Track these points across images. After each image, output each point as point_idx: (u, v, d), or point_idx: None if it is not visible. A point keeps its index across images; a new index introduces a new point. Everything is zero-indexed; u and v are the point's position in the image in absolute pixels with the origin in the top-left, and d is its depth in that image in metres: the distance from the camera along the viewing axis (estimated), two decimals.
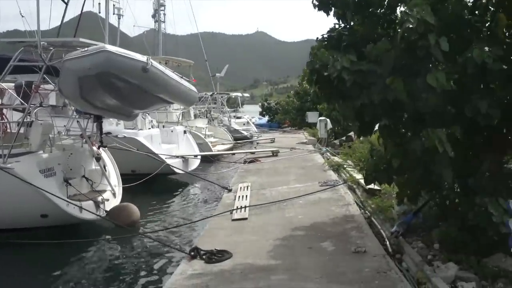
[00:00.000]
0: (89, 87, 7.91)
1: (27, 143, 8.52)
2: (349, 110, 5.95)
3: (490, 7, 5.35)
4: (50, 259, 7.67)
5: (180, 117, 20.99)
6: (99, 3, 21.27)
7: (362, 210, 8.37)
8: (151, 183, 12.33)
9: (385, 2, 6.12)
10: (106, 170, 10.08)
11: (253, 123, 37.42)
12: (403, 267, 5.55)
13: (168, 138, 16.04)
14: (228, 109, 34.74)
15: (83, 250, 7.99)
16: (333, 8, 6.46)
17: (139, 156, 12.77)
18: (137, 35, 42.13)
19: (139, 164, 12.99)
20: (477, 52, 4.74)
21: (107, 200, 9.47)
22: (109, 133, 12.25)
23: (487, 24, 5.37)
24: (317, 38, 6.70)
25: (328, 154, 16.73)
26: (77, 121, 10.20)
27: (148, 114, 15.71)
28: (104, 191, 9.75)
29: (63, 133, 10.38)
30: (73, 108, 10.66)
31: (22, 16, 13.98)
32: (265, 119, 46.97)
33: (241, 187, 11.26)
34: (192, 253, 6.22)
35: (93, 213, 8.67)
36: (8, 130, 8.91)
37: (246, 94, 53.92)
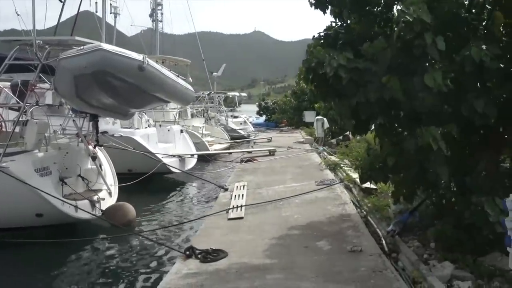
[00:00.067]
0: (85, 85, 7.85)
1: (22, 142, 8.45)
2: (345, 109, 5.93)
3: (486, 5, 5.36)
4: (46, 259, 7.62)
5: (177, 116, 20.91)
6: (96, 2, 21.25)
7: (359, 209, 8.36)
8: (148, 182, 12.28)
9: (382, 1, 6.11)
10: (102, 169, 10.03)
11: (250, 122, 37.40)
12: (399, 266, 5.54)
13: (165, 137, 15.98)
14: (225, 109, 34.76)
15: (78, 249, 7.95)
16: (329, 7, 6.45)
17: (135, 155, 12.72)
18: (134, 34, 42.11)
19: (136, 163, 12.94)
20: (475, 50, 4.74)
21: (103, 199, 9.41)
22: (105, 132, 12.21)
23: (483, 23, 5.36)
24: (314, 36, 6.68)
25: (325, 153, 16.75)
26: (73, 120, 10.13)
27: (145, 113, 15.63)
28: (100, 190, 9.68)
29: (59, 132, 10.30)
30: (69, 107, 10.60)
31: (18, 15, 13.94)
32: (262, 119, 47.04)
33: (237, 186, 11.24)
34: (188, 252, 6.19)
35: (88, 212, 8.63)
36: (4, 129, 8.86)
37: (243, 94, 53.82)
